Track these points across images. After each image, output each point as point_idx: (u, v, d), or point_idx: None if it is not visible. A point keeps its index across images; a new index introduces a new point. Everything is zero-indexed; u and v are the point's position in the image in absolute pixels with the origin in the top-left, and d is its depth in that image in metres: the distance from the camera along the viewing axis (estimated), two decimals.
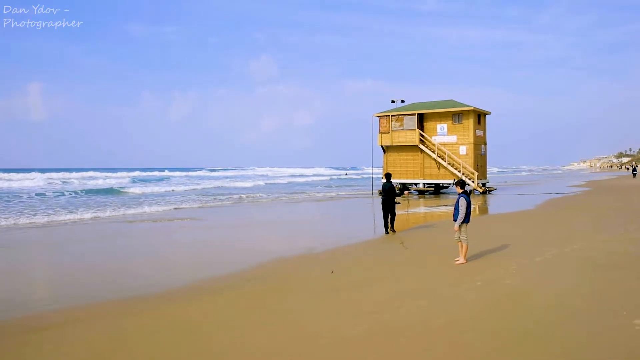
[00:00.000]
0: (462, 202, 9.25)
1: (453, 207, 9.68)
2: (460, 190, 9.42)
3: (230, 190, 41.30)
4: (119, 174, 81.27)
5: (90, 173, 76.79)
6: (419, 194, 35.88)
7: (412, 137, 36.21)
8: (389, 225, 14.35)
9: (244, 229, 17.00)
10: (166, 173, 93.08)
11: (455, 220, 9.40)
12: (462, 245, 9.44)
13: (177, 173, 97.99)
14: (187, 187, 44.57)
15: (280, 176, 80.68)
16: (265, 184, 54.68)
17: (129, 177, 68.27)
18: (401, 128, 36.72)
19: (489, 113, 37.34)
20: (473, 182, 33.71)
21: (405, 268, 9.41)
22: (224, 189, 43.27)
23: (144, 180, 60.86)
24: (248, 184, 51.33)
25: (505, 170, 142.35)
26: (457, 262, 9.39)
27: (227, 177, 73.67)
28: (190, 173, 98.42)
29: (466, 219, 9.32)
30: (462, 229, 9.40)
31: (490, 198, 30.21)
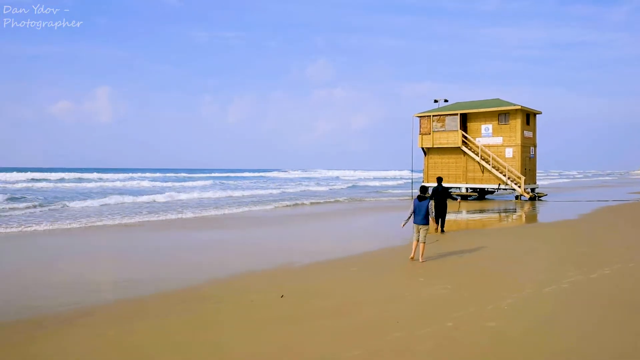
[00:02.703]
0: (411, 206, 9.94)
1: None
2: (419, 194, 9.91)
3: (330, 194, 37.83)
4: (204, 174, 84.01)
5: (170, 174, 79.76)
6: (462, 199, 32.93)
7: (454, 139, 33.25)
8: (439, 226, 14.37)
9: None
10: (245, 174, 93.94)
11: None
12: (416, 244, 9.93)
13: (248, 174, 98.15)
14: (273, 190, 40.11)
15: (359, 179, 75.71)
16: (348, 187, 50.34)
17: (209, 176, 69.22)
18: (442, 129, 33.84)
19: (539, 113, 33.59)
20: (519, 187, 30.40)
21: (374, 297, 7.35)
22: (319, 194, 38.88)
23: (222, 180, 60.51)
24: (322, 188, 47.52)
25: (588, 174, 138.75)
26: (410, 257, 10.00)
27: (293, 180, 69.22)
28: (264, 174, 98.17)
29: (415, 220, 9.80)
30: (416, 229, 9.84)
31: (537, 205, 26.91)
